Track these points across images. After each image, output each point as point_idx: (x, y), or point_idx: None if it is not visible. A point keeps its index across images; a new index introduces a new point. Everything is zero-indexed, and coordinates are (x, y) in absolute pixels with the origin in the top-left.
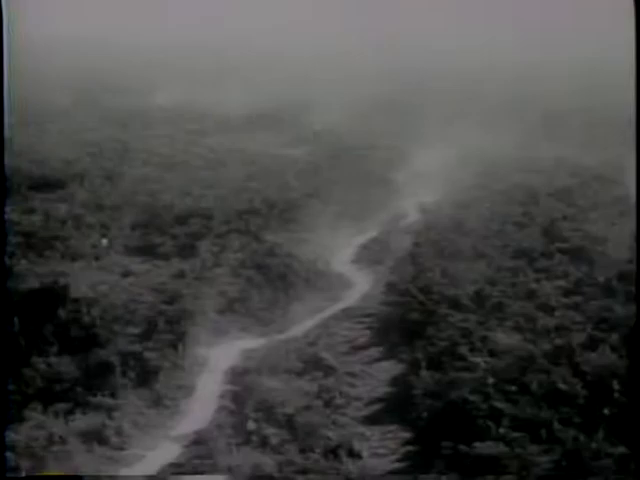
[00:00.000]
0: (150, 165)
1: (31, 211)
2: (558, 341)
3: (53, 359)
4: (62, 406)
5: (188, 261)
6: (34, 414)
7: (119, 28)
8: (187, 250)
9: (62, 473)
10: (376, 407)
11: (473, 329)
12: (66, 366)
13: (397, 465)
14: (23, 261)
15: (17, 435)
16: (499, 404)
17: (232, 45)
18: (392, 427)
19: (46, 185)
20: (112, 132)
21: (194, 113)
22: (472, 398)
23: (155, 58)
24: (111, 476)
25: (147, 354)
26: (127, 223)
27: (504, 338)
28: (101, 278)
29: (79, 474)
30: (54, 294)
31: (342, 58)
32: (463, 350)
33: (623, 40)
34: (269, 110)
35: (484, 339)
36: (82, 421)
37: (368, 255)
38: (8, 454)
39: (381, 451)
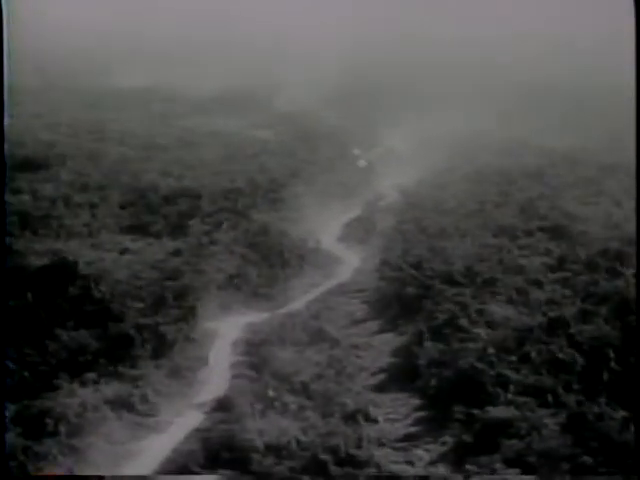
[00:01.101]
0: (127, 146)
1: (18, 191)
2: (552, 314)
3: (72, 333)
4: (89, 376)
5: (180, 239)
6: (64, 383)
7: (90, 10)
8: (178, 229)
9: (84, 474)
10: (382, 376)
11: (469, 303)
12: (86, 339)
13: (412, 429)
14: (20, 240)
15: (51, 402)
16: (505, 371)
17: (200, 28)
18: (400, 395)
19: (29, 166)
20: (84, 114)
21: (163, 95)
22: (478, 366)
23: (123, 41)
24: (133, 476)
25: (163, 327)
26: (115, 202)
27: (500, 311)
28: (99, 255)
29: (100, 474)
30: (64, 270)
31: (311, 41)
32: (463, 322)
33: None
34: (236, 93)
35: (480, 312)
36: (109, 390)
37: (353, 234)
38: (47, 420)
39: (394, 416)
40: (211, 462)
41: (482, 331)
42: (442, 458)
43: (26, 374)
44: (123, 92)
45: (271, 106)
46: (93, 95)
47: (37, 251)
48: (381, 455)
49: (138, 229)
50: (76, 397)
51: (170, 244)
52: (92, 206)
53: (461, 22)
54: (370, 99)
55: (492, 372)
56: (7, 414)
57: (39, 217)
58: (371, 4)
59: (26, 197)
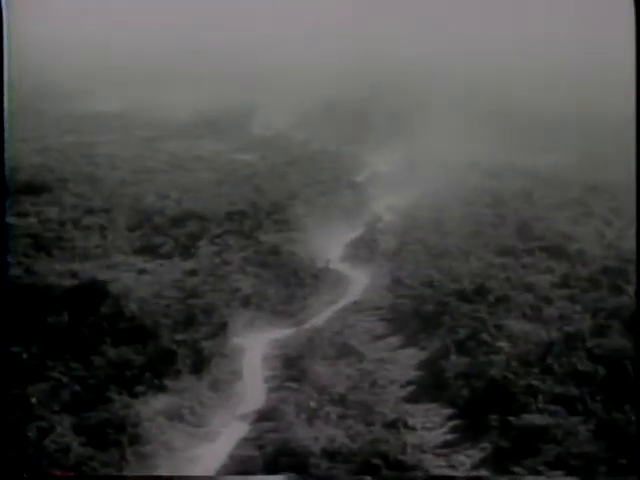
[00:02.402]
0: (119, 170)
1: (25, 214)
2: (567, 329)
3: (114, 349)
4: (139, 389)
5: (191, 260)
6: (115, 396)
7: (65, 32)
8: (187, 250)
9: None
10: (411, 389)
11: (486, 319)
12: (130, 354)
13: (449, 437)
14: (38, 261)
15: (108, 414)
16: (533, 382)
17: (175, 51)
18: (432, 405)
19: (31, 190)
20: (69, 138)
21: (141, 120)
22: (509, 377)
23: (97, 64)
24: (200, 476)
25: (200, 343)
26: (122, 225)
27: (518, 326)
28: (117, 275)
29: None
30: (95, 290)
31: (284, 64)
32: (485, 337)
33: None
34: (212, 117)
35: (499, 327)
36: (158, 402)
37: (357, 254)
38: (108, 430)
39: (429, 425)
40: (271, 467)
41: (504, 345)
42: (483, 463)
43: (77, 388)
44: (101, 117)
45: (249, 130)
46: (72, 119)
47: (57, 272)
48: (425, 460)
49: (148, 250)
50: (131, 409)
51: (182, 265)
52: (101, 228)
53: (448, 36)
54: (350, 122)
55: (521, 382)
56: (65, 425)
57: (52, 239)
58: (351, 22)
59: (33, 220)
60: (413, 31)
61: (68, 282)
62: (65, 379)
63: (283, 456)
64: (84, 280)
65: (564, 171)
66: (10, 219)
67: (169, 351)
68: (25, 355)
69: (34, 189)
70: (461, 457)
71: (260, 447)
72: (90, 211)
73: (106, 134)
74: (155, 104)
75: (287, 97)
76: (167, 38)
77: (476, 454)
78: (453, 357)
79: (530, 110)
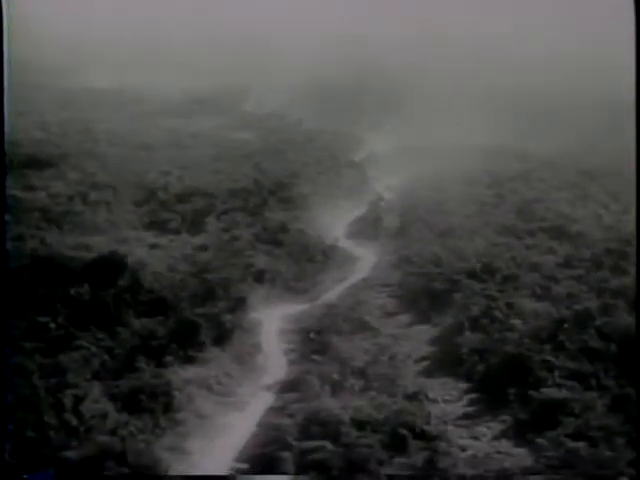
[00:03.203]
0: (117, 146)
1: (31, 188)
2: (576, 307)
3: (138, 320)
4: (167, 359)
5: (199, 236)
6: (144, 366)
7: (60, 13)
8: (195, 226)
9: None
10: (426, 364)
11: (497, 297)
12: (154, 325)
13: (469, 409)
14: (51, 234)
15: (139, 382)
16: (549, 358)
17: (167, 30)
18: (448, 379)
19: (35, 164)
20: (66, 113)
21: (135, 96)
22: (524, 352)
23: (92, 42)
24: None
25: (221, 316)
26: (128, 200)
27: (528, 304)
28: (130, 249)
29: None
30: (112, 263)
31: (279, 42)
32: (497, 314)
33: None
34: (206, 94)
35: (509, 305)
36: (185, 372)
37: (361, 232)
38: (142, 395)
39: (448, 398)
40: (303, 435)
41: (517, 322)
42: (504, 434)
43: (106, 357)
44: (95, 92)
45: (242, 108)
46: (67, 94)
47: (69, 245)
48: (448, 431)
49: (157, 226)
50: (161, 378)
51: (191, 240)
52: (107, 203)
53: (447, 22)
54: (345, 102)
55: (536, 358)
56: (99, 393)
57: (61, 213)
58: (349, 3)
59: (42, 194)
60: (411, 13)
61: (86, 255)
62: (93, 349)
63: (314, 425)
64: (103, 253)
65: (561, 156)
66: (17, 192)
67: (192, 323)
68: (53, 325)
69: (38, 163)
70: (482, 428)
71: (290, 416)
72: (95, 186)
73: (102, 110)
74: (149, 82)
75: (279, 77)
76: (163, 21)
77: (497, 426)
78: (467, 333)
79: (529, 96)
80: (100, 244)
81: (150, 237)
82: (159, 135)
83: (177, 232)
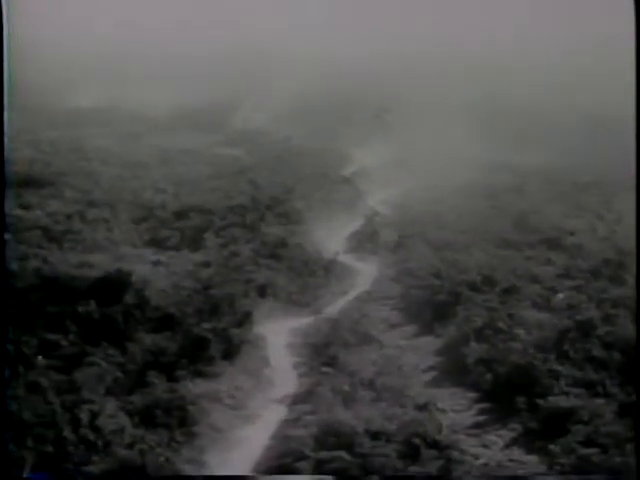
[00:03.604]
0: (111, 164)
1: (29, 207)
2: (578, 317)
3: (148, 335)
4: (179, 373)
5: (199, 252)
6: (156, 380)
7: (39, 27)
8: (194, 242)
9: None
10: (433, 374)
11: (499, 308)
12: (163, 341)
13: (479, 418)
14: (53, 253)
15: (152, 397)
16: (555, 367)
17: (150, 46)
18: (456, 389)
19: (30, 183)
20: (55, 132)
21: (122, 114)
22: (533, 362)
23: (75, 60)
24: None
25: (229, 331)
26: (126, 218)
27: (530, 315)
28: (132, 267)
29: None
30: (117, 281)
31: (265, 59)
32: (501, 325)
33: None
34: (191, 111)
35: (511, 316)
36: (197, 387)
37: (358, 246)
38: (156, 410)
39: (457, 408)
40: (320, 445)
41: (521, 332)
42: (514, 442)
43: (118, 373)
44: (83, 111)
45: (230, 124)
46: (56, 113)
47: (72, 264)
48: (459, 440)
49: (156, 243)
50: (174, 392)
51: (191, 256)
52: (106, 221)
53: (437, 37)
54: (332, 118)
55: (543, 367)
56: (115, 408)
57: (61, 232)
58: (334, 20)
59: (39, 212)
60: (397, 26)
61: (90, 273)
62: (105, 365)
63: (329, 435)
64: (109, 271)
65: (553, 168)
66: (16, 211)
67: (200, 338)
68: (65, 342)
69: (34, 182)
70: (493, 437)
71: (304, 427)
72: (92, 204)
73: (92, 128)
74: (136, 100)
75: (266, 93)
76: (148, 36)
77: (507, 434)
78: (473, 344)
79: (522, 108)
80: (102, 262)
81: (150, 254)
82: (151, 152)
83: (177, 249)
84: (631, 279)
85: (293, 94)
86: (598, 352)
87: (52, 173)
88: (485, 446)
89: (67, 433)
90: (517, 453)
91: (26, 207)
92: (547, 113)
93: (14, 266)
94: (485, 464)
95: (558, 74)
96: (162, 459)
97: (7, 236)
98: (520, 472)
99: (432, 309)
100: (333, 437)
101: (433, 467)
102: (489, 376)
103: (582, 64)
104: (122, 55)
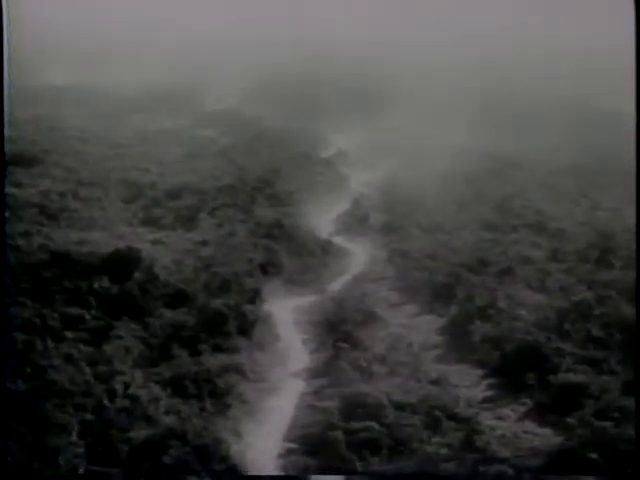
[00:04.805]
0: (92, 143)
1: (20, 184)
2: (574, 298)
3: (164, 310)
4: (202, 347)
5: (194, 231)
6: (180, 353)
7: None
8: (189, 222)
9: None
10: (438, 352)
11: (498, 289)
12: (182, 316)
13: (489, 393)
14: (55, 230)
15: (180, 369)
16: (561, 345)
17: (122, 26)
18: (462, 366)
19: (19, 161)
20: (31, 111)
21: (94, 93)
22: (533, 340)
23: (43, 40)
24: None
25: (243, 307)
26: (118, 197)
27: (528, 296)
28: (134, 245)
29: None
30: (129, 257)
31: (233, 39)
32: (502, 305)
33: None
34: (162, 92)
35: (510, 297)
36: (220, 360)
37: (347, 228)
38: (185, 382)
39: (467, 383)
40: (348, 416)
41: (523, 312)
42: (527, 415)
43: (142, 346)
44: (57, 90)
45: (200, 106)
46: (30, 92)
47: (74, 241)
48: (476, 413)
49: (150, 222)
50: (200, 365)
51: (187, 235)
52: (99, 200)
53: (424, 14)
54: (306, 100)
55: (549, 345)
56: (141, 379)
57: (57, 210)
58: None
59: (32, 191)
60: (380, 9)
61: (102, 249)
62: (129, 338)
63: (356, 407)
64: (120, 247)
65: (529, 155)
66: (9, 189)
67: (217, 314)
68: (88, 316)
69: (23, 161)
70: (506, 411)
71: (328, 399)
72: (82, 183)
73: (66, 108)
74: (103, 78)
75: (236, 73)
76: (118, 17)
77: (519, 408)
78: (477, 323)
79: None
80: (101, 240)
81: (147, 233)
82: (128, 132)
83: (172, 228)
84: (618, 262)
85: (263, 75)
86: (598, 332)
87: (40, 152)
88: (500, 419)
89: (106, 402)
90: (531, 426)
91: (18, 185)
92: (529, 101)
93: (19, 242)
94: (502, 435)
95: (550, 65)
96: (201, 427)
97: (7, 214)
98: (536, 443)
99: (430, 289)
100: (360, 408)
101: (455, 438)
102: (496, 354)
103: (575, 57)
104: (89, 36)
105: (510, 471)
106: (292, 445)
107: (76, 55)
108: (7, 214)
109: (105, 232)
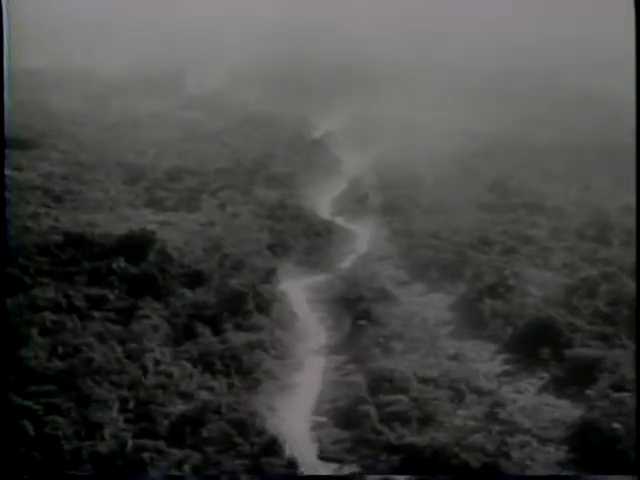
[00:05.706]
0: (84, 125)
1: (20, 168)
2: (580, 274)
3: (186, 290)
4: (225, 325)
5: (197, 213)
6: (204, 330)
7: None
8: (191, 203)
9: None
10: (450, 328)
11: (504, 267)
12: (203, 295)
13: (505, 367)
14: (63, 212)
15: (207, 347)
16: (573, 320)
17: (106, 10)
18: (475, 342)
19: (18, 144)
20: (17, 95)
21: (78, 77)
22: (545, 316)
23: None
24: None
25: (259, 287)
26: (119, 179)
27: (534, 273)
28: (141, 227)
29: None
30: (143, 239)
31: (216, 23)
32: (511, 282)
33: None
34: (145, 75)
35: (516, 275)
36: (243, 338)
37: (347, 208)
38: (213, 359)
39: (482, 358)
40: (375, 390)
41: (533, 289)
42: (544, 389)
43: (166, 325)
44: (37, 73)
45: (183, 89)
46: (11, 75)
47: (83, 223)
48: (496, 387)
49: (154, 204)
50: (225, 343)
51: (192, 217)
52: (100, 182)
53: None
54: (288, 83)
55: (563, 321)
56: (169, 356)
57: (62, 192)
58: None
59: (33, 174)
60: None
61: (116, 230)
62: (156, 317)
63: (384, 382)
64: (133, 229)
65: (515, 134)
66: (10, 172)
67: (236, 293)
68: (112, 296)
69: (24, 144)
70: (524, 384)
71: (355, 374)
72: (82, 166)
73: (47, 91)
74: (84, 63)
75: (219, 57)
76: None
77: (537, 382)
78: (487, 300)
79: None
80: (108, 222)
81: (151, 214)
82: (117, 115)
83: (176, 209)
84: (616, 240)
85: (247, 58)
86: (605, 308)
87: (36, 135)
88: (519, 392)
89: (141, 378)
90: (549, 398)
91: (19, 169)
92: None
93: (29, 223)
94: (523, 407)
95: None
96: (235, 402)
97: (10, 195)
98: (556, 415)
99: (437, 268)
100: (387, 383)
101: (479, 411)
102: (509, 329)
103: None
104: (73, 19)
105: (534, 442)
106: (322, 419)
107: (59, 39)
108: (10, 196)
109: (112, 214)
